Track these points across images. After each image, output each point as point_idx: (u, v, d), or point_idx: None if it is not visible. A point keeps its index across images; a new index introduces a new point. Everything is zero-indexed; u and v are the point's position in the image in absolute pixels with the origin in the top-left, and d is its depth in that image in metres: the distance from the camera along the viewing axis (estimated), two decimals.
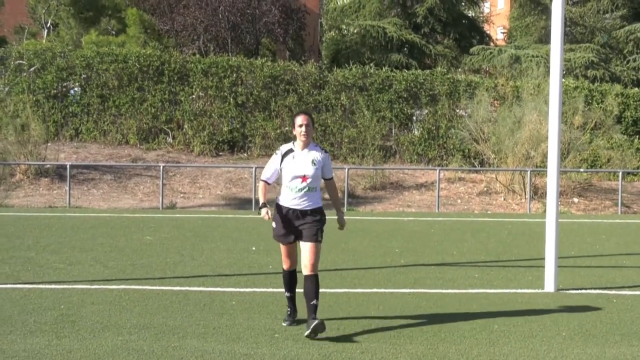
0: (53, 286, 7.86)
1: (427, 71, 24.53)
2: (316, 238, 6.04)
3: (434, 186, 19.82)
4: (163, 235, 12.29)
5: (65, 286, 7.87)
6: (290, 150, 6.17)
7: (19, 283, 8.01)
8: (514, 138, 19.80)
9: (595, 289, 8.27)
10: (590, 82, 25.92)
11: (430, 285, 8.33)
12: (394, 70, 24.89)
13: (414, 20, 31.64)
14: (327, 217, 6.28)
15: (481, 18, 39.06)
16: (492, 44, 34.63)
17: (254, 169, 18.61)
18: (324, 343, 5.78)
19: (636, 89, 25.83)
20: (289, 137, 21.49)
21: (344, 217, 6.46)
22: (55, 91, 23.29)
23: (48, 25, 32.79)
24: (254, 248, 10.90)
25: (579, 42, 30.15)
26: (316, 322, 5.77)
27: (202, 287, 7.95)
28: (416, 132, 23.95)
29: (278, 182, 6.32)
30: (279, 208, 6.16)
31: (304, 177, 6.07)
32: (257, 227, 13.71)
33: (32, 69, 23.10)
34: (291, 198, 6.10)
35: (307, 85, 23.57)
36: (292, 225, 6.10)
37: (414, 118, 24.20)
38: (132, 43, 28.47)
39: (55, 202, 17.85)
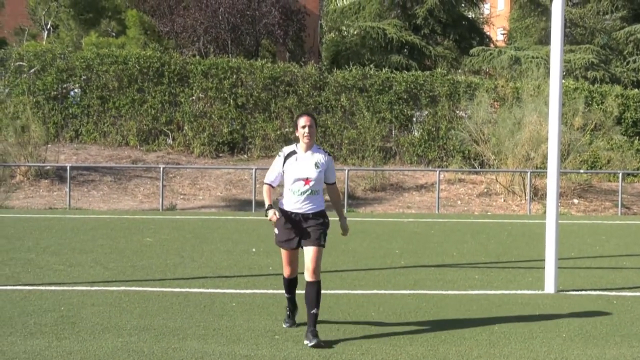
0: (53, 288, 7.86)
1: (427, 72, 24.53)
2: (319, 242, 5.94)
3: (434, 187, 19.82)
4: (163, 236, 12.29)
5: (65, 288, 7.87)
6: (293, 152, 6.05)
7: (19, 285, 8.01)
8: (514, 139, 19.80)
9: (595, 290, 8.27)
10: (590, 84, 25.93)
11: (430, 286, 8.33)
12: (394, 71, 24.90)
13: (414, 21, 31.66)
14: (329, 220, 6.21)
15: (481, 19, 39.04)
16: (492, 45, 34.63)
17: (254, 170, 18.61)
18: (324, 343, 5.77)
19: (636, 90, 25.84)
20: (289, 139, 21.50)
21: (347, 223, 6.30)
22: (55, 93, 23.29)
23: (48, 26, 32.80)
24: (254, 249, 10.90)
25: (579, 44, 30.16)
26: (315, 341, 5.70)
27: (202, 289, 7.95)
28: (416, 134, 23.95)
29: (282, 184, 6.27)
30: (281, 212, 6.04)
31: (306, 180, 5.96)
32: (257, 228, 13.71)
33: (32, 70, 23.11)
34: (293, 201, 5.99)
35: (307, 86, 23.57)
36: (295, 230, 5.99)
37: (414, 119, 24.21)
38: (132, 44, 28.49)
39: (55, 204, 17.85)
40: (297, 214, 5.99)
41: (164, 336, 5.98)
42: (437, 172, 19.48)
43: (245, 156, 23.18)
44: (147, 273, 8.87)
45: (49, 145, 21.06)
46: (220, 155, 23.25)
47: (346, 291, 7.97)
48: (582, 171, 20.66)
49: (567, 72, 27.76)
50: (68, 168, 18.39)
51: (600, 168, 22.40)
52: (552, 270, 8.04)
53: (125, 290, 7.78)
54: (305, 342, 5.78)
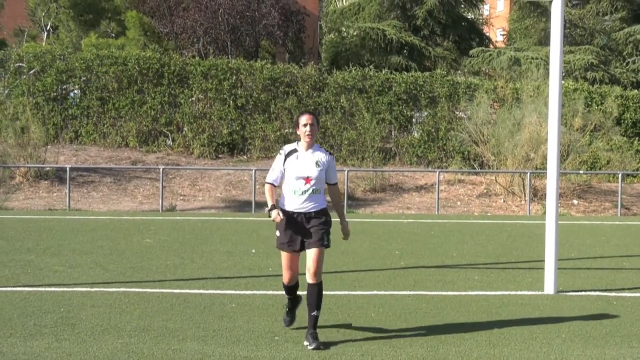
0: (53, 289, 7.86)
1: (427, 73, 24.54)
2: (321, 243, 5.87)
3: (434, 188, 19.82)
4: (163, 237, 12.29)
5: (65, 289, 7.87)
6: (294, 151, 6.00)
7: (19, 286, 8.00)
8: (513, 140, 19.81)
9: (595, 290, 8.27)
10: (589, 84, 25.92)
11: (430, 287, 8.33)
12: (394, 72, 24.91)
13: (414, 22, 31.68)
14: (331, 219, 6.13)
15: (481, 20, 39.07)
16: (491, 46, 34.65)
17: (253, 171, 18.61)
18: (324, 345, 5.77)
19: (636, 91, 25.84)
20: (288, 140, 21.49)
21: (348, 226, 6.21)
22: (55, 94, 23.29)
23: (48, 28, 32.79)
24: (253, 250, 10.90)
25: (579, 44, 30.17)
26: (315, 344, 5.70)
27: (202, 290, 7.95)
28: (416, 134, 23.96)
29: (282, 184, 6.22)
30: (283, 213, 5.91)
31: (307, 179, 5.90)
32: (257, 229, 13.71)
33: (31, 71, 23.11)
34: (294, 201, 5.92)
35: (307, 87, 23.58)
36: (297, 230, 5.91)
37: (414, 120, 24.21)
38: (131, 46, 28.48)
39: (54, 205, 17.85)
40: (299, 213, 5.93)
41: (164, 337, 5.98)
42: (437, 172, 19.48)
43: (245, 157, 23.18)
44: (147, 274, 8.86)
45: (49, 147, 21.05)
46: (220, 156, 23.25)
47: (346, 292, 7.97)
48: (581, 172, 20.66)
49: (567, 73, 27.77)
50: (68, 169, 18.38)
51: (600, 169, 22.41)
52: (552, 271, 8.04)
53: (125, 291, 7.78)
54: (305, 343, 5.78)
